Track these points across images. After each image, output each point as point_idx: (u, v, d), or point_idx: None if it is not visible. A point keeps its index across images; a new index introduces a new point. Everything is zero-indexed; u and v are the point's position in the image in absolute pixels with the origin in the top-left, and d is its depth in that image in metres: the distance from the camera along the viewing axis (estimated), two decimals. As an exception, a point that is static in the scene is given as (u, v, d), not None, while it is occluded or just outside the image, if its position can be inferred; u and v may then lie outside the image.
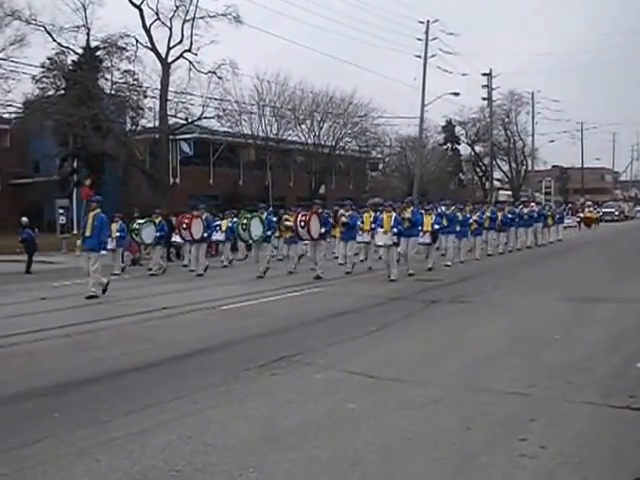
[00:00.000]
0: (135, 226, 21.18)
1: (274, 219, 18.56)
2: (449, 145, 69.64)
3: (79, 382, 7.31)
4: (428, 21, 47.01)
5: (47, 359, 8.62)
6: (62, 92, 39.98)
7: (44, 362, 8.42)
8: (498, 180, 74.49)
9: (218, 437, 5.33)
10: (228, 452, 5.02)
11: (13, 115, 39.34)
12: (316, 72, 62.16)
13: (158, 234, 20.97)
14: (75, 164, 41.52)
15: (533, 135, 67.41)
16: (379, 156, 62.80)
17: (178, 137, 43.69)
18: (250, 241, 19.05)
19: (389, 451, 5.00)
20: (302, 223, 17.91)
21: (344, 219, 19.77)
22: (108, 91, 41.06)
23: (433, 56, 47.43)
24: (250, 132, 47.72)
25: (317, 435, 5.36)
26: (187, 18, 39.99)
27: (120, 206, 37.43)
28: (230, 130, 47.29)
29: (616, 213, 64.38)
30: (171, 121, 42.21)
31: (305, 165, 52.73)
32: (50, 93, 40.41)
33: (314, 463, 4.78)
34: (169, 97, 40.99)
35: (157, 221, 21.65)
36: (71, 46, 39.24)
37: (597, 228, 48.40)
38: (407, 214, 18.35)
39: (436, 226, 19.69)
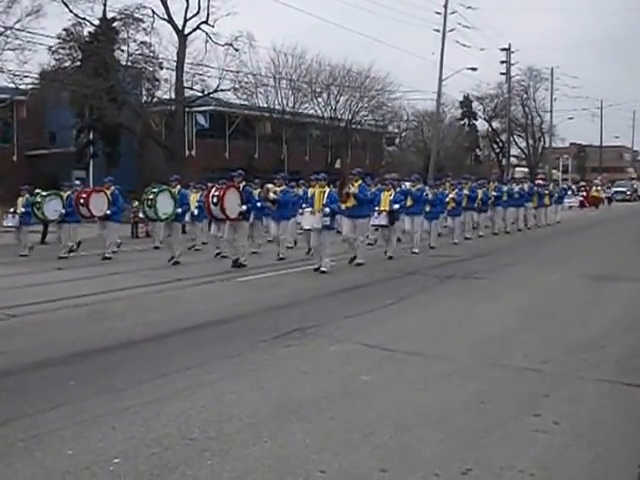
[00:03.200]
0: (37, 199, 17.78)
1: (252, 191, 15.52)
2: (466, 121, 69.04)
3: (94, 351, 7.36)
4: (447, -6, 46.46)
5: (62, 329, 8.69)
6: (78, 63, 39.89)
7: (59, 331, 8.49)
8: (515, 157, 73.96)
9: (232, 407, 5.36)
10: (242, 422, 5.04)
11: (29, 86, 39.25)
12: (333, 45, 61.81)
13: (64, 210, 17.58)
14: (91, 136, 41.53)
15: (551, 112, 66.79)
16: (396, 131, 62.46)
17: (194, 109, 43.61)
18: (158, 220, 16.43)
19: (403, 424, 5.01)
20: (215, 199, 14.23)
21: (272, 195, 16.17)
22: (124, 63, 40.92)
23: (452, 30, 46.89)
24: (266, 105, 47.53)
25: (331, 406, 5.38)
26: (204, -11, 39.73)
27: (135, 178, 37.63)
28: (246, 103, 47.08)
29: (628, 192, 60.92)
30: (187, 93, 42.12)
31: (321, 139, 52.50)
32: (66, 64, 40.31)
33: (328, 434, 4.80)
34: (185, 69, 40.89)
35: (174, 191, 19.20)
36: (87, 17, 39.09)
37: (608, 208, 46.10)
38: (354, 189, 14.83)
39: (395, 205, 16.36)
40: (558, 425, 4.95)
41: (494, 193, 23.64)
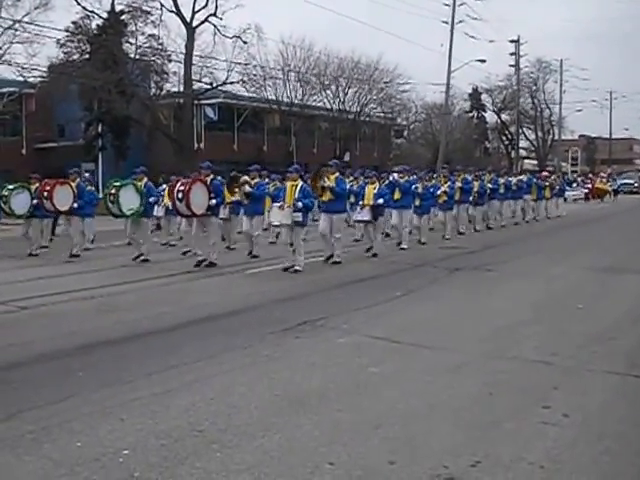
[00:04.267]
0: (4, 193, 16.29)
1: (219, 184, 14.26)
2: (475, 113, 68.78)
3: (103, 343, 7.38)
4: (456, -14, 46.27)
5: (71, 321, 8.70)
6: (87, 56, 39.94)
7: (68, 324, 8.50)
8: (524, 149, 73.66)
9: (241, 398, 5.36)
10: (251, 413, 5.04)
11: (38, 79, 39.32)
12: (342, 37, 61.64)
13: (35, 202, 16.07)
14: (100, 128, 41.60)
15: (560, 104, 66.40)
16: (404, 123, 62.25)
17: (203, 102, 43.59)
18: (124, 217, 15.17)
19: (411, 416, 5.00)
20: (180, 195, 13.10)
21: (247, 188, 14.86)
22: (133, 55, 40.96)
23: (460, 22, 46.75)
24: (275, 97, 47.47)
25: (340, 398, 5.38)
26: (212, -19, 39.68)
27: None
28: (255, 95, 47.03)
29: (635, 185, 59.02)
30: (196, 86, 42.12)
31: (330, 131, 52.41)
32: (75, 57, 40.38)
33: (336, 426, 4.79)
34: (194, 62, 40.90)
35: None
36: (96, 10, 39.14)
37: (614, 201, 44.62)
38: (330, 182, 13.78)
39: (380, 200, 15.19)
40: (568, 417, 4.93)
41: (490, 185, 22.48)
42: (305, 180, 14.03)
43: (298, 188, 12.86)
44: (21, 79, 37.00)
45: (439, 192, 18.74)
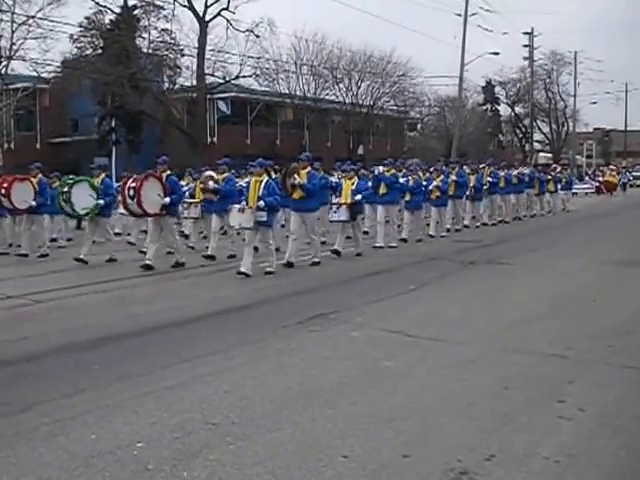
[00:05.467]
0: (64, 189, 13.64)
1: (176, 180, 13.27)
2: (488, 106, 68.39)
3: (117, 336, 7.41)
4: (469, -22, 46.01)
5: (86, 314, 8.74)
6: (100, 51, 40.14)
7: (83, 317, 8.54)
8: (538, 142, 73.21)
9: (255, 392, 5.36)
10: (264, 407, 5.04)
11: (52, 74, 39.54)
12: (354, 30, 61.49)
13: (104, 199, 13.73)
14: (113, 123, 41.74)
15: (575, 96, 65.97)
16: (417, 116, 62.03)
17: (215, 96, 43.62)
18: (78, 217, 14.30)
19: (425, 409, 4.98)
20: (131, 192, 12.24)
21: (212, 184, 13.66)
22: (146, 50, 41.09)
23: (473, 14, 46.46)
24: (287, 91, 47.44)
25: (353, 392, 5.36)
26: (225, -25, 39.71)
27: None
28: (267, 89, 47.05)
29: None
30: (208, 80, 42.17)
31: (343, 125, 52.39)
32: (88, 52, 40.59)
33: (350, 419, 4.78)
34: (206, 56, 40.96)
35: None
36: (108, 5, 39.35)
37: (623, 195, 43.01)
38: (300, 179, 12.47)
39: (357, 196, 13.86)
40: (583, 412, 4.89)
41: (489, 179, 21.27)
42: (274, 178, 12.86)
43: (262, 184, 11.64)
44: (35, 74, 37.25)
45: (431, 187, 17.65)
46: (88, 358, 6.49)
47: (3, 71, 34.99)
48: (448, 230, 18.65)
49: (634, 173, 57.78)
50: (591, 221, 23.92)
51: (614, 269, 11.97)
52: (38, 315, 8.79)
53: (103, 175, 14.36)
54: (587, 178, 49.62)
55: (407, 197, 16.71)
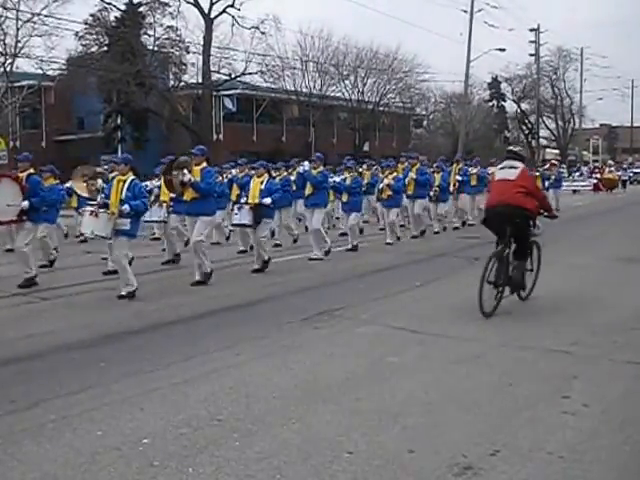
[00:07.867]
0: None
1: (38, 181, 11.02)
2: (494, 102, 68.25)
3: (123, 333, 7.44)
4: (475, -26, 45.91)
5: (92, 311, 8.77)
6: (105, 49, 40.23)
7: (89, 314, 8.57)
8: (544, 138, 73.09)
9: (260, 388, 5.38)
10: (270, 403, 5.06)
11: (57, 72, 39.63)
12: (360, 27, 61.43)
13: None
14: (119, 120, 41.82)
15: (581, 92, 65.87)
16: (423, 113, 62.04)
17: (221, 93, 43.69)
18: None
19: (431, 405, 4.99)
20: None
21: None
22: (151, 47, 41.16)
23: (480, 11, 46.43)
24: (293, 88, 47.48)
25: (359, 388, 5.38)
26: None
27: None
28: (273, 86, 47.09)
29: None
30: (214, 77, 42.27)
31: (349, 122, 52.37)
32: (93, 50, 40.68)
33: (355, 415, 4.80)
34: (212, 53, 41.07)
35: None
36: (113, 2, 39.42)
37: (624, 192, 41.89)
38: (190, 176, 10.44)
39: (266, 200, 11.52)
40: (588, 407, 4.90)
41: (458, 177, 19.11)
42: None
43: (126, 185, 9.66)
44: (40, 72, 37.33)
45: (381, 186, 15.63)
46: (94, 355, 6.52)
47: (8, 69, 35.07)
48: (422, 232, 17.11)
49: (635, 170, 56.95)
50: (591, 219, 23.76)
51: (618, 266, 11.94)
52: (44, 312, 8.82)
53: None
54: (584, 173, 48.61)
55: (344, 198, 14.84)
